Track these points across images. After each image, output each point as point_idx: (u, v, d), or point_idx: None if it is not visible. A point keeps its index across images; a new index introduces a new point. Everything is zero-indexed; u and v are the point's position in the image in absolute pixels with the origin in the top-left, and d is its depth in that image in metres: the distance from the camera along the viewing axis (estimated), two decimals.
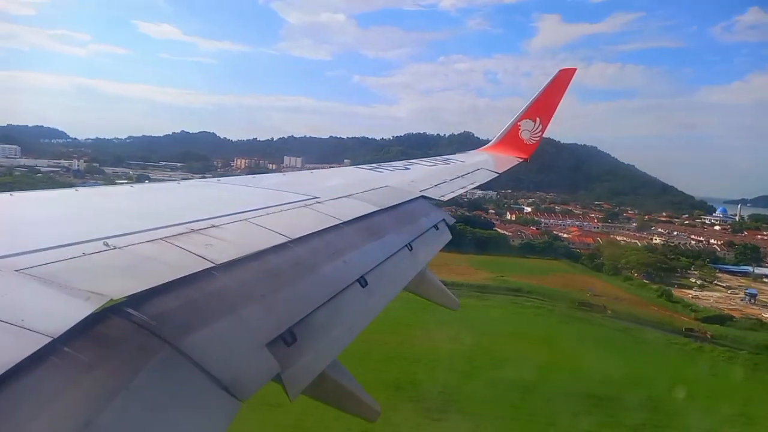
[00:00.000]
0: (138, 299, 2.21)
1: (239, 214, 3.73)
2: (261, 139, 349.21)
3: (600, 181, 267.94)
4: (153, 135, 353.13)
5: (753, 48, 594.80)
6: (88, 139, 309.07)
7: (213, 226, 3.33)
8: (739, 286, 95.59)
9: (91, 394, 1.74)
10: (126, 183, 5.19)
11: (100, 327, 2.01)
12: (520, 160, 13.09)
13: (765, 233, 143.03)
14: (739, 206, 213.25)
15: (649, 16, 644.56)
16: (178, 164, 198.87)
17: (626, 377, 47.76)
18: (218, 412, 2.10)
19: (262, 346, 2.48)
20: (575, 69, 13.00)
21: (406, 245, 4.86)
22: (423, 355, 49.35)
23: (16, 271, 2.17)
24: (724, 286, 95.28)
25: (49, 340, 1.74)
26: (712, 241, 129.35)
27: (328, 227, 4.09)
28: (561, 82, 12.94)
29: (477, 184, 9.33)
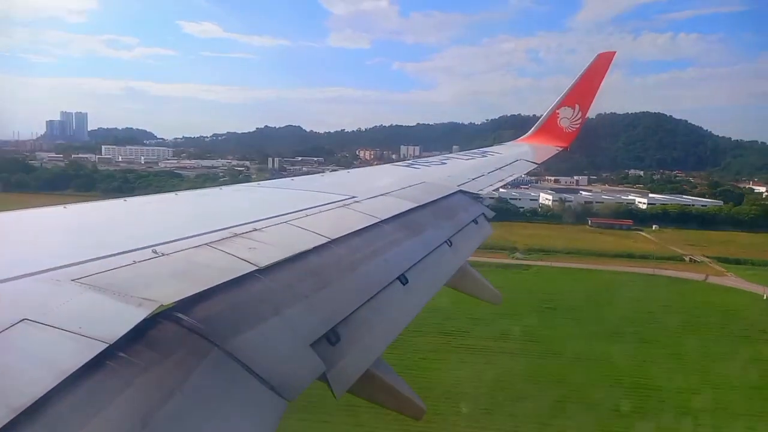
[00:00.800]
0: (187, 304, 2.29)
1: (280, 217, 3.81)
2: (348, 131, 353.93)
3: (730, 156, 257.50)
4: (240, 132, 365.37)
5: None
6: (177, 138, 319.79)
7: (255, 230, 3.41)
8: None
9: (146, 397, 1.81)
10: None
11: (153, 332, 2.08)
12: (560, 149, 12.85)
13: None
14: None
15: None
16: (314, 159, 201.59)
17: None
18: (267, 412, 2.15)
19: (307, 346, 2.53)
20: (614, 52, 12.58)
21: (445, 241, 4.84)
22: None
23: (73, 280, 2.28)
24: None
25: (105, 345, 1.82)
26: None
27: (367, 226, 4.13)
28: (600, 66, 12.54)
29: (516, 176, 9.25)
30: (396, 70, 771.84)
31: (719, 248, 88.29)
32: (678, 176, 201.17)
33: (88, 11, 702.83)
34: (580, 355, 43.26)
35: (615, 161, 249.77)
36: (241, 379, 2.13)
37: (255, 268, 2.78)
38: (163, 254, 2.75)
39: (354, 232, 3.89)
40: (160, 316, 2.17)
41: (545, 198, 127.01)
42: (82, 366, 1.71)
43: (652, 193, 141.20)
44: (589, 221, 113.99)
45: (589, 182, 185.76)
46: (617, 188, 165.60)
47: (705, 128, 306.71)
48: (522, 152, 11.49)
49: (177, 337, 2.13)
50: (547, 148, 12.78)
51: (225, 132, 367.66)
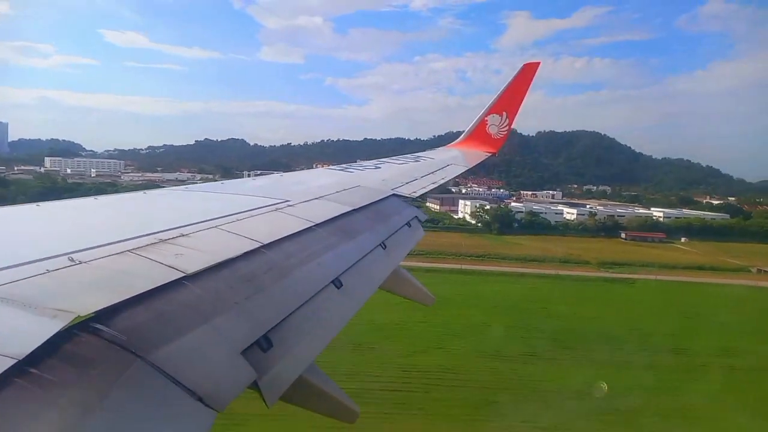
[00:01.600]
0: (106, 314, 2.17)
1: (209, 222, 3.69)
2: (295, 144, 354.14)
3: (661, 173, 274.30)
4: (178, 144, 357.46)
5: (715, 37, 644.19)
6: (109, 150, 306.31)
7: (182, 235, 3.27)
8: None
9: (61, 415, 1.69)
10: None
11: (68, 345, 1.95)
12: (489, 154, 13.35)
13: None
14: None
15: (617, 10, 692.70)
16: (274, 172, 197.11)
17: None
18: (194, 424, 2.07)
19: (238, 354, 2.46)
20: (539, 63, 13.16)
21: (379, 244, 4.86)
22: None
23: None
24: None
25: (13, 362, 1.69)
26: None
27: (301, 230, 4.08)
28: (525, 76, 13.15)
29: (448, 179, 9.48)
30: (329, 85, 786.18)
31: (765, 259, 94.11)
32: (630, 192, 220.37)
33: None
34: None
35: (558, 176, 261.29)
36: (167, 392, 2.04)
37: (182, 275, 2.68)
38: (80, 262, 2.60)
39: (287, 236, 3.83)
40: (76, 328, 2.05)
41: (568, 212, 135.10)
42: None
43: (654, 207, 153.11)
44: (623, 234, 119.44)
45: (564, 196, 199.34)
46: (613, 203, 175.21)
47: (630, 146, 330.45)
48: (453, 157, 11.83)
49: (96, 349, 2.01)
50: (477, 153, 13.20)
51: (161, 144, 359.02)
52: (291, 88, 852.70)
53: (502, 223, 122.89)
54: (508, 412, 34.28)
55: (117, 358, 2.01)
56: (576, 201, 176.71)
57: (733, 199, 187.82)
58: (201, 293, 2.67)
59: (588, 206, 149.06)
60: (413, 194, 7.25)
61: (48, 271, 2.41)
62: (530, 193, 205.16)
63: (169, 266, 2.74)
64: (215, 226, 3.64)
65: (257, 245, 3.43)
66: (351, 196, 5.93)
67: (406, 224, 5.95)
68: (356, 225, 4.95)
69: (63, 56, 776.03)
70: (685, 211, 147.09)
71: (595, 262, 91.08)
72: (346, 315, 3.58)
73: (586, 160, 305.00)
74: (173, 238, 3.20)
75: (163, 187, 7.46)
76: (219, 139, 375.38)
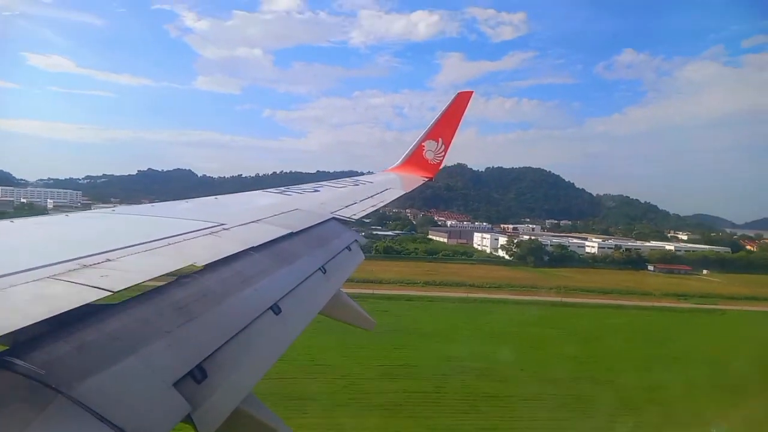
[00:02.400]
0: (22, 346, 2.02)
1: (138, 246, 3.48)
2: (246, 176, 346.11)
3: (605, 208, 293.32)
4: (119, 174, 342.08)
5: (629, 84, 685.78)
6: (42, 180, 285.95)
7: (108, 260, 3.07)
8: None
9: None
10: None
11: None
12: (426, 179, 13.61)
13: None
14: None
15: (542, 55, 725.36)
16: None
17: None
18: None
19: (170, 386, 2.34)
20: (472, 92, 13.64)
21: (319, 268, 4.78)
22: None
23: None
24: None
25: None
26: None
27: (237, 254, 3.93)
28: (459, 103, 13.59)
29: (386, 202, 9.53)
30: (266, 117, 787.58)
31: None
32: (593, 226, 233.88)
33: None
34: None
35: (510, 210, 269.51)
36: (92, 429, 1.90)
37: (108, 293, 2.51)
38: None
39: (221, 260, 3.68)
40: None
41: (589, 245, 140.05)
42: None
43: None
44: (650, 267, 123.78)
45: (543, 229, 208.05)
46: (614, 238, 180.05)
47: (572, 182, 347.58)
48: (391, 180, 11.99)
49: (10, 385, 1.86)
50: (415, 178, 13.38)
51: (101, 174, 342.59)
52: (226, 119, 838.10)
53: (535, 256, 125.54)
54: None
55: (35, 394, 1.87)
56: (572, 234, 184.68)
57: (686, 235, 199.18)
58: (128, 322, 2.53)
59: (600, 240, 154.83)
60: (353, 217, 7.24)
61: None
62: (510, 226, 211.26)
63: (94, 286, 2.56)
64: (145, 251, 3.44)
65: (189, 270, 3.31)
66: (289, 219, 5.82)
67: (346, 248, 5.92)
68: (295, 249, 4.86)
69: None
70: (688, 245, 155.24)
71: (658, 293, 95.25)
72: (284, 341, 3.48)
73: (535, 195, 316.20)
74: (99, 263, 3.00)
75: None
76: (164, 170, 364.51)
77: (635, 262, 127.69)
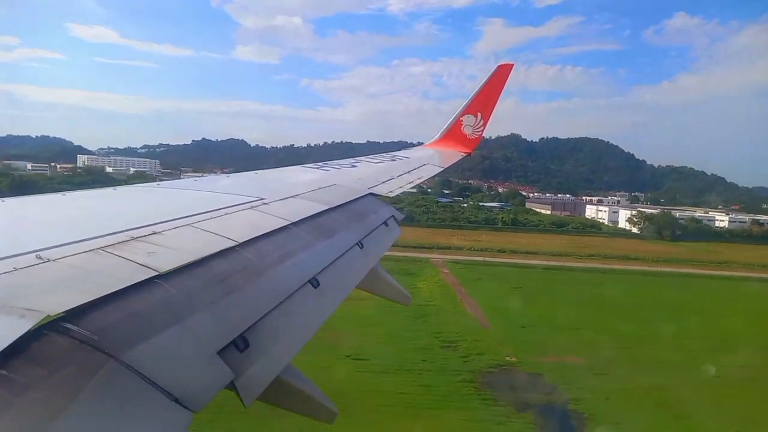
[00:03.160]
0: (77, 314, 2.11)
1: (182, 219, 3.61)
2: (297, 146, 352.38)
3: (670, 180, 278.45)
4: (178, 144, 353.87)
5: (680, 50, 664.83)
6: (102, 149, 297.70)
7: (155, 233, 3.19)
8: None
9: (31, 418, 1.65)
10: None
11: (38, 345, 1.90)
12: (464, 155, 13.46)
13: None
14: None
15: (589, 20, 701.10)
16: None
17: None
18: (171, 425, 2.04)
19: (214, 354, 2.42)
20: (512, 64, 13.27)
21: (356, 243, 4.82)
22: None
23: None
24: None
25: None
26: None
27: (276, 229, 4.02)
28: (500, 77, 13.21)
29: (424, 179, 9.48)
30: (304, 86, 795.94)
31: None
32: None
33: None
34: None
35: (569, 182, 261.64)
36: (142, 392, 2.00)
37: (155, 273, 2.62)
38: (49, 260, 2.51)
39: (262, 234, 3.78)
40: (46, 328, 1.99)
41: (719, 219, 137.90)
42: None
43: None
44: None
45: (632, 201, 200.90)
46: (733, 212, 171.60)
47: (632, 153, 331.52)
48: (429, 156, 11.89)
49: (66, 350, 1.95)
50: (453, 153, 13.26)
51: (158, 144, 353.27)
52: (265, 88, 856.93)
53: (669, 229, 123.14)
54: None
55: (89, 359, 1.96)
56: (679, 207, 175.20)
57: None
58: (175, 292, 2.62)
59: (730, 213, 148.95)
60: (390, 193, 7.24)
61: (15, 269, 2.34)
62: (595, 198, 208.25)
63: (142, 264, 2.68)
64: (189, 224, 3.56)
65: (233, 244, 3.39)
66: (327, 194, 5.88)
67: (383, 223, 5.94)
68: (333, 224, 4.92)
69: (27, 49, 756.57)
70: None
71: None
72: (322, 314, 3.56)
73: (593, 167, 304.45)
74: (145, 236, 3.12)
75: None
76: (218, 139, 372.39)
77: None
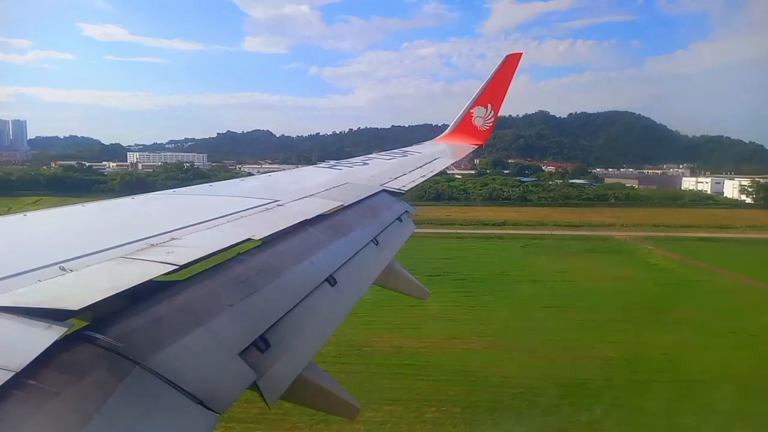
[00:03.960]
0: (101, 322, 2.18)
1: (199, 225, 3.68)
2: (323, 134, 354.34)
3: (706, 151, 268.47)
4: (203, 137, 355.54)
5: (694, 18, 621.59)
6: (130, 146, 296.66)
7: (173, 239, 3.26)
8: None
9: (63, 426, 1.70)
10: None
11: (65, 355, 1.95)
12: (475, 147, 13.44)
13: None
14: None
15: None
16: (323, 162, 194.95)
17: None
18: (197, 427, 2.09)
19: (236, 356, 2.47)
20: (521, 53, 13.22)
21: (372, 240, 4.87)
22: None
23: None
24: None
25: (12, 374, 1.68)
26: None
27: (291, 228, 4.07)
28: (508, 66, 13.16)
29: (436, 172, 9.51)
30: (313, 74, 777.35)
31: None
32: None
33: None
34: None
35: (604, 157, 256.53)
36: (167, 396, 2.06)
37: (174, 267, 2.70)
38: (71, 271, 2.58)
39: (278, 235, 3.84)
40: (72, 337, 2.05)
41: None
42: None
43: None
44: None
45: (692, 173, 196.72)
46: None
47: (665, 125, 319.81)
48: (440, 150, 11.89)
49: (92, 357, 2.01)
50: (464, 146, 13.25)
51: (183, 138, 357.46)
52: (274, 79, 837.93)
53: None
54: None
55: (115, 366, 2.02)
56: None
57: None
58: (196, 296, 2.69)
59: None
60: (402, 189, 7.28)
61: (39, 281, 2.40)
62: (659, 171, 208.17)
63: (161, 262, 2.75)
64: (206, 229, 3.64)
65: (250, 246, 3.46)
66: (340, 193, 5.95)
67: (397, 219, 5.99)
68: (347, 222, 4.97)
69: (40, 51, 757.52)
70: None
71: None
72: (341, 312, 3.60)
73: (626, 141, 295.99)
74: (164, 242, 3.19)
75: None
76: (244, 131, 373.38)
77: None
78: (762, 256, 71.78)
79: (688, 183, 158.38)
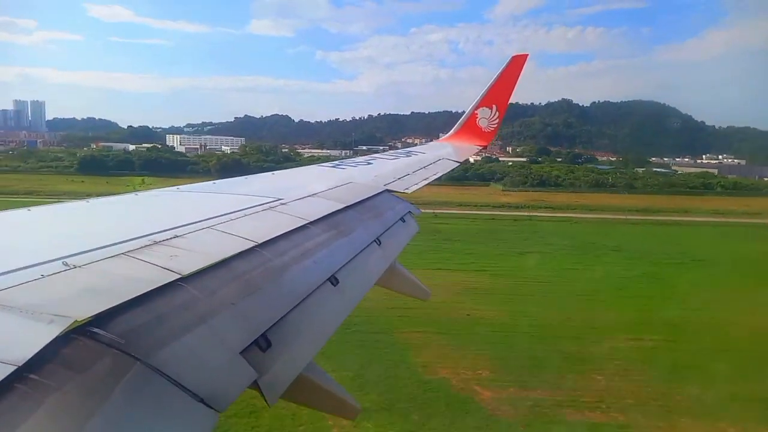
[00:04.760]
0: (104, 318, 2.18)
1: (202, 222, 3.70)
2: (342, 119, 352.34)
3: (736, 141, 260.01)
4: (220, 122, 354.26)
5: (707, 4, 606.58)
6: (142, 126, 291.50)
7: (176, 237, 3.27)
8: None
9: (62, 421, 1.70)
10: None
11: (67, 350, 1.95)
12: (480, 148, 13.48)
13: None
14: None
15: None
16: (363, 147, 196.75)
17: None
18: (197, 426, 2.09)
19: (237, 354, 2.48)
20: (527, 55, 13.13)
21: (374, 240, 4.87)
22: None
23: None
24: None
25: (14, 368, 1.69)
26: None
27: (295, 228, 4.08)
28: (514, 67, 13.10)
29: (440, 174, 9.48)
30: (319, 59, 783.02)
31: None
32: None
33: None
34: None
35: (634, 147, 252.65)
36: (168, 394, 2.06)
37: (178, 276, 2.69)
38: (75, 266, 2.59)
39: (281, 235, 3.84)
40: (74, 333, 2.05)
41: None
42: None
43: None
44: None
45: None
46: None
47: (691, 114, 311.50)
48: (444, 152, 11.89)
49: (95, 354, 2.02)
50: (468, 147, 13.30)
51: (200, 122, 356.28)
52: (279, 63, 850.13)
53: None
54: None
55: (117, 362, 2.03)
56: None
57: None
58: (198, 295, 2.68)
59: None
60: (406, 191, 7.29)
61: (43, 276, 2.41)
62: (714, 161, 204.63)
63: (165, 268, 2.74)
64: (209, 227, 3.64)
65: (252, 245, 3.45)
66: (344, 193, 5.95)
67: (400, 219, 6.00)
68: (350, 222, 4.98)
69: (46, 32, 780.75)
70: None
71: None
72: (342, 312, 3.61)
73: (654, 129, 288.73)
74: (167, 239, 3.20)
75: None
76: (262, 116, 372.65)
77: None
78: None
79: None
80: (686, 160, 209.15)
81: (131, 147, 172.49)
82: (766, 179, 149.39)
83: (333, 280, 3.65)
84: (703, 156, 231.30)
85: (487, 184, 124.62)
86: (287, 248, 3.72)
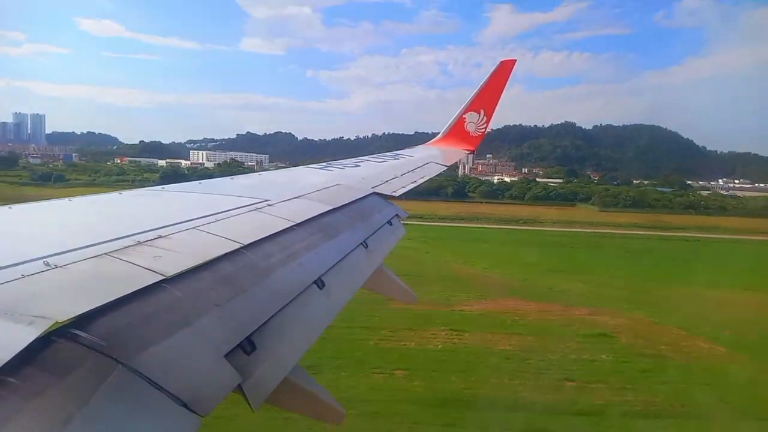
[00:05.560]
0: (85, 320, 2.13)
1: (187, 223, 3.65)
2: (346, 138, 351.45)
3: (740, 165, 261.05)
4: (222, 138, 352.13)
5: (690, 33, 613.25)
6: (153, 141, 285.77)
7: (160, 237, 3.22)
8: None
9: (41, 425, 1.67)
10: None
11: (47, 352, 1.92)
12: (468, 152, 13.54)
13: None
14: None
15: (598, 4, 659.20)
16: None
17: None
18: (180, 430, 2.06)
19: (221, 357, 2.44)
20: (515, 60, 13.26)
21: (361, 243, 4.86)
22: None
23: None
24: None
25: None
26: None
27: (281, 230, 4.05)
28: (502, 73, 13.22)
29: (427, 177, 9.50)
30: (310, 77, 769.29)
31: None
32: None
33: None
34: None
35: (640, 171, 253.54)
36: (150, 397, 2.02)
37: (162, 277, 2.64)
38: (56, 266, 2.53)
39: (267, 236, 3.81)
40: (55, 335, 2.00)
41: None
42: None
43: None
44: None
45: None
46: None
47: (692, 139, 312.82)
48: (432, 155, 11.93)
49: (75, 356, 1.98)
50: (456, 151, 13.35)
51: (201, 138, 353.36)
52: (271, 80, 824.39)
53: None
54: None
55: (98, 365, 1.98)
56: None
57: None
58: (182, 296, 2.64)
59: None
60: (394, 193, 7.28)
61: (23, 276, 2.35)
62: (731, 183, 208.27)
63: (148, 269, 2.70)
64: (194, 227, 3.60)
65: (237, 246, 3.41)
66: (331, 195, 5.94)
67: (388, 222, 5.99)
68: (337, 224, 4.96)
69: (35, 45, 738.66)
70: None
71: None
72: (328, 315, 3.59)
73: (656, 155, 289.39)
74: (151, 240, 3.16)
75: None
76: (266, 133, 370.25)
77: None
78: None
79: None
80: (713, 183, 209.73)
81: (184, 163, 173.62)
82: None
83: (319, 283, 3.63)
84: (719, 180, 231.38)
85: (573, 205, 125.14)
86: (273, 250, 3.69)
